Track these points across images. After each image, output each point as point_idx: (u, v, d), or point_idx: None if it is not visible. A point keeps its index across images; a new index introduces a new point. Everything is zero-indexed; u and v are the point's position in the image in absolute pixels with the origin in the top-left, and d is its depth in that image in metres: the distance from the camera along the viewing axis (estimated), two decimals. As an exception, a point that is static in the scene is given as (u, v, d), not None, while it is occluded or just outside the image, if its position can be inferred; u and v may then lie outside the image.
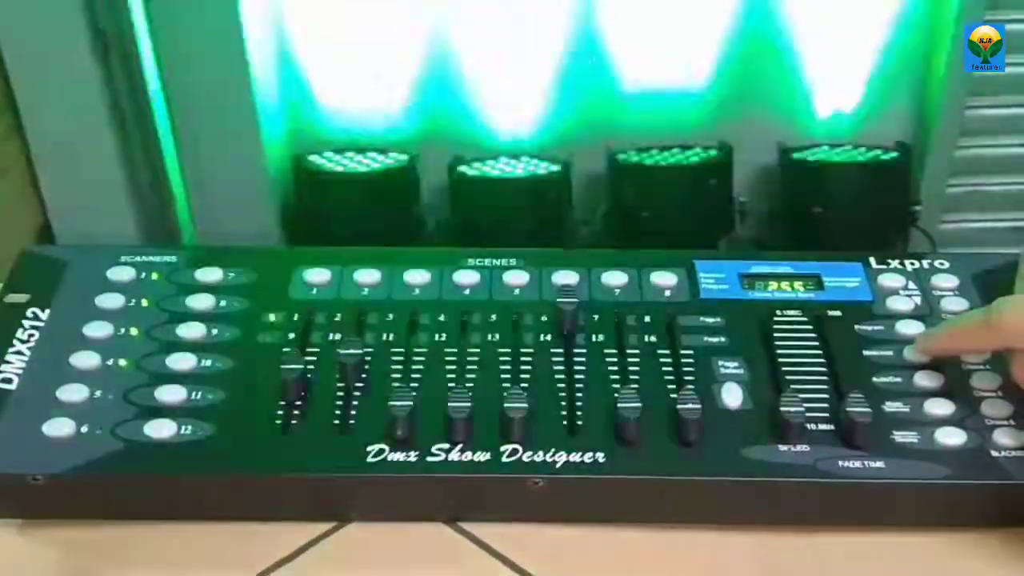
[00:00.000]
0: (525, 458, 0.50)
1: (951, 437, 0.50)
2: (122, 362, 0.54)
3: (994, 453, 0.50)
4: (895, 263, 0.60)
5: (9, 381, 0.53)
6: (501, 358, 0.54)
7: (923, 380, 0.53)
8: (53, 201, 0.70)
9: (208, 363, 0.54)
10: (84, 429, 0.51)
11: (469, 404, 0.50)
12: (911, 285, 0.58)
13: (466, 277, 0.59)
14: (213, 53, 0.64)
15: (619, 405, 0.51)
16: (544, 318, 0.56)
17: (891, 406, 0.52)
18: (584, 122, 0.75)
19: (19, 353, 0.54)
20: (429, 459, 0.50)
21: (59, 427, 0.51)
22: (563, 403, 0.52)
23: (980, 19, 0.61)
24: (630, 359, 0.54)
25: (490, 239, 0.68)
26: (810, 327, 0.56)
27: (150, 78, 0.64)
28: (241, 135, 0.67)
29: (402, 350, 0.55)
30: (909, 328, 0.56)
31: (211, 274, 0.59)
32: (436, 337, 0.55)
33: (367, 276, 0.59)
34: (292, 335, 0.55)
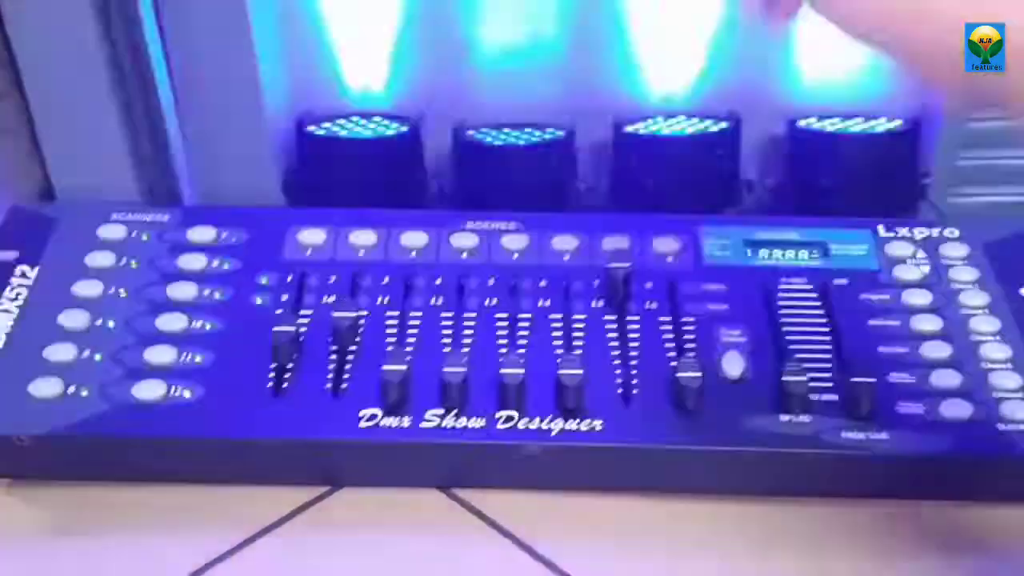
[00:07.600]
0: (520, 425, 0.49)
1: (957, 409, 0.49)
2: (111, 322, 0.53)
3: (1001, 426, 0.49)
4: (904, 231, 0.59)
5: (-4, 340, 0.52)
6: (498, 323, 0.53)
7: (930, 351, 0.52)
8: (54, 162, 0.68)
9: (199, 324, 0.53)
10: (71, 390, 0.50)
11: (464, 370, 0.49)
12: (920, 254, 0.57)
13: (458, 240, 0.58)
14: (214, 14, 0.63)
15: (619, 372, 0.49)
16: (543, 283, 0.56)
17: (896, 377, 0.51)
18: (588, 90, 0.73)
19: (6, 311, 0.53)
20: (423, 425, 0.49)
21: (46, 387, 0.50)
22: (571, 370, 0.50)
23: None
24: (630, 325, 0.53)
25: (494, 205, 0.67)
26: (815, 295, 0.55)
27: (150, 37, 0.62)
28: (243, 99, 0.66)
29: (397, 313, 0.54)
30: (916, 298, 0.54)
31: (204, 234, 0.58)
32: (432, 301, 0.54)
33: (362, 238, 0.58)
34: (285, 297, 0.54)
